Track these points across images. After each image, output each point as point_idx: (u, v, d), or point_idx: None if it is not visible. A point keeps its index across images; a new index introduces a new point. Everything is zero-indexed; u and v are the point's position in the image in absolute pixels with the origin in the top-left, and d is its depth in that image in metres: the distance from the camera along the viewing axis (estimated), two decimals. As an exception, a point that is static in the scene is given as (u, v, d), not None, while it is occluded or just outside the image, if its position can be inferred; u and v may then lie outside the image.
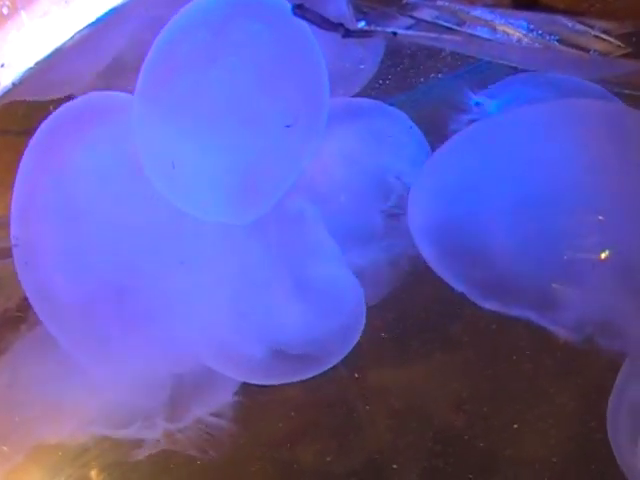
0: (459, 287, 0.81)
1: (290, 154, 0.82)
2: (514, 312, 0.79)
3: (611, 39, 0.78)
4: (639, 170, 0.78)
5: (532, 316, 0.79)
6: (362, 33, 0.67)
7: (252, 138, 0.80)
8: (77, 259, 0.85)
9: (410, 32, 0.68)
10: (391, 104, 0.91)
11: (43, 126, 0.85)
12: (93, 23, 0.79)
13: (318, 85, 0.78)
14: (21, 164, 0.85)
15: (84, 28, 0.79)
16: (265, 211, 0.84)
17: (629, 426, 0.85)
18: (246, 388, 0.99)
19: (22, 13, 0.82)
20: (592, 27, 0.76)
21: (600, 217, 0.80)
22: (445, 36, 0.67)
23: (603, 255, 0.80)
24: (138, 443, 0.93)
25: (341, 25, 0.67)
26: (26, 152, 0.85)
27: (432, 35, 0.67)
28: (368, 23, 0.67)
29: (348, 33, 0.66)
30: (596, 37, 0.78)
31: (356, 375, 1.05)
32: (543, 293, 0.79)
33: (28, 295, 0.86)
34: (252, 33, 0.76)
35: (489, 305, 0.80)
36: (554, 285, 0.79)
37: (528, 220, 0.79)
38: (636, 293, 0.78)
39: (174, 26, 0.79)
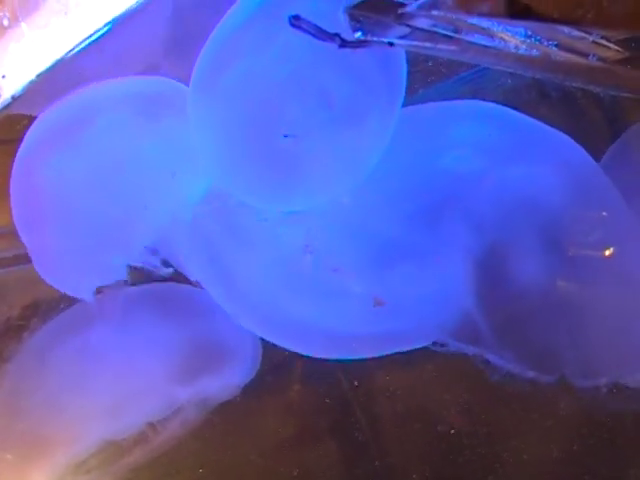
0: None
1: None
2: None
3: (609, 44, 0.78)
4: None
5: None
6: (359, 43, 0.67)
7: (316, 112, 0.77)
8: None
9: (406, 42, 0.68)
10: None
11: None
12: (93, 34, 0.78)
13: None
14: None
15: (84, 39, 0.79)
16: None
17: None
18: (247, 392, 0.99)
19: (22, 24, 0.82)
20: (590, 33, 0.76)
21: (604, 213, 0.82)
22: (442, 45, 0.67)
23: (607, 252, 0.81)
24: (141, 446, 0.93)
25: (337, 35, 0.66)
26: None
27: (428, 45, 0.67)
28: (364, 33, 0.66)
29: (345, 43, 0.66)
30: (594, 42, 0.78)
31: (358, 380, 1.05)
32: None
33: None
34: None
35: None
36: None
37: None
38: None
39: (229, 20, 0.78)
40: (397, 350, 0.93)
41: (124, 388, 0.92)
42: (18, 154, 0.86)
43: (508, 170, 0.83)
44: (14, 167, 0.87)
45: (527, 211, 0.82)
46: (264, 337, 0.93)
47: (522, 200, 0.82)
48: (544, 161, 0.84)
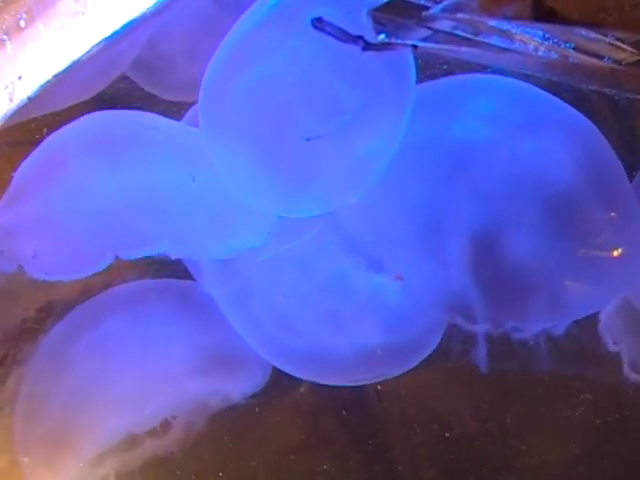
0: None
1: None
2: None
3: (625, 46, 0.79)
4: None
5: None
6: (382, 46, 0.67)
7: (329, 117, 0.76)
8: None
9: (429, 44, 0.68)
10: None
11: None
12: (110, 36, 0.78)
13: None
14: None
15: (101, 41, 0.78)
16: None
17: None
18: (261, 395, 0.99)
19: (39, 25, 0.81)
20: (606, 35, 0.76)
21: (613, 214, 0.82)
22: (463, 48, 0.67)
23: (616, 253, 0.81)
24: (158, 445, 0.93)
25: (361, 38, 0.66)
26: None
27: (451, 47, 0.67)
28: (388, 35, 0.66)
29: (368, 46, 0.66)
30: (610, 44, 0.78)
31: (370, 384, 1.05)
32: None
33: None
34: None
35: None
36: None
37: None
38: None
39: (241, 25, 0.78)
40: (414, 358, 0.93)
41: (139, 384, 0.92)
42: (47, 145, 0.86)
43: (520, 142, 0.83)
44: (37, 155, 0.86)
45: (535, 185, 0.82)
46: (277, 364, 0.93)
47: (531, 173, 0.82)
48: (556, 135, 0.84)
